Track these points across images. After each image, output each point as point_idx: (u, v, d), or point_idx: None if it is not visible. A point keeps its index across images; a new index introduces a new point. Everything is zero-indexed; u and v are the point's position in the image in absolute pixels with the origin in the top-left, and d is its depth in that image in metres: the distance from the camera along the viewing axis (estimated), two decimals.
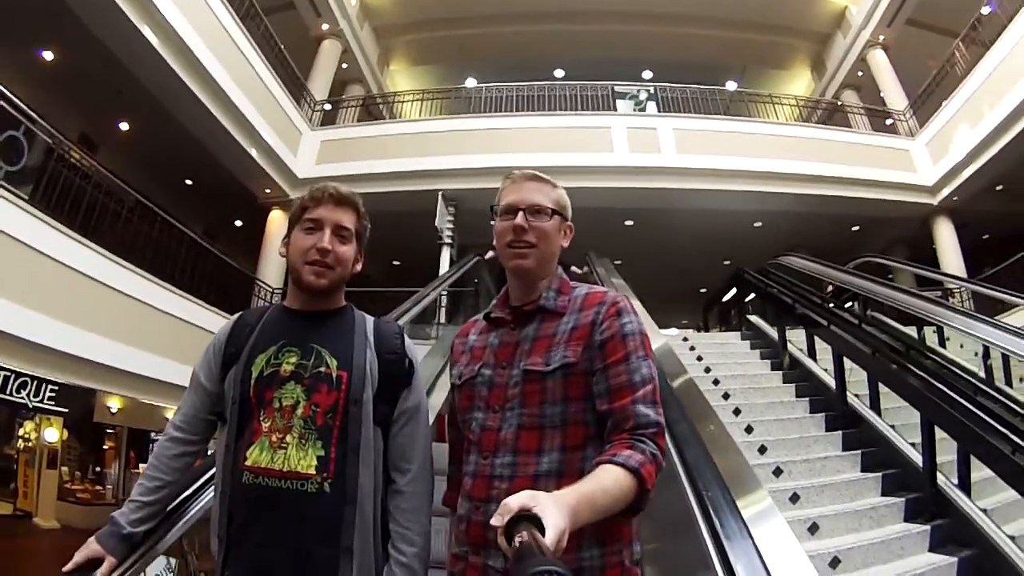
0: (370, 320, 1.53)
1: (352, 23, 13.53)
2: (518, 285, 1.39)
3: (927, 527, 3.60)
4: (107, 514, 1.45)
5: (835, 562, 3.30)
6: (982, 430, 3.39)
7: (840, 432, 4.52)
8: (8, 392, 9.14)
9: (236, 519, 1.31)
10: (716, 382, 5.25)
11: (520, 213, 1.34)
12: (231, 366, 1.42)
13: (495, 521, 0.84)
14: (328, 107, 12.64)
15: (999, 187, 11.01)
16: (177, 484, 1.51)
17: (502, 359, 1.32)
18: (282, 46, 10.98)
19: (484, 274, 8.24)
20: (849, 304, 7.41)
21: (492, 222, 1.41)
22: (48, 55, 8.89)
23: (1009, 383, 5.46)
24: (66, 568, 1.34)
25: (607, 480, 1.04)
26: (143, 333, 7.17)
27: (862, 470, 4.16)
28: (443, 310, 7.80)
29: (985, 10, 11.23)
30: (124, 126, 10.38)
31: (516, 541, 0.78)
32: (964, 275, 10.67)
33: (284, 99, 10.66)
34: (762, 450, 4.18)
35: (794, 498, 3.72)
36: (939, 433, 3.81)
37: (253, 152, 9.74)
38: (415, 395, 1.49)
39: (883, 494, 3.95)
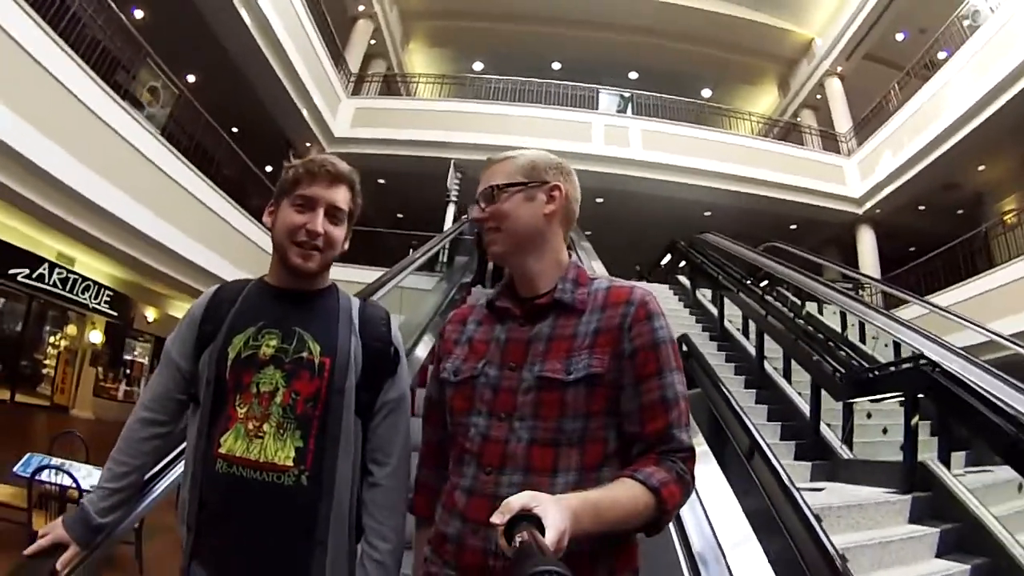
0: (355, 302, 1.45)
1: (384, 5, 15.27)
2: (513, 274, 1.25)
3: (754, 391, 5.79)
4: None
5: None
6: (797, 338, 5.61)
7: (716, 343, 6.83)
8: (75, 292, 11.02)
9: (207, 507, 1.25)
10: None
11: (476, 205, 1.25)
12: (207, 345, 1.33)
13: (495, 519, 0.82)
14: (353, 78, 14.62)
15: (921, 207, 13.11)
16: (146, 468, 1.43)
17: (511, 359, 1.15)
18: (330, 21, 12.82)
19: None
20: (765, 283, 9.63)
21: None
22: (139, 12, 10.66)
23: (863, 340, 7.71)
24: (28, 551, 1.30)
25: (620, 492, 0.98)
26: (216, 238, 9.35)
27: (725, 361, 6.41)
28: (446, 250, 9.95)
29: (941, 55, 12.74)
30: (191, 78, 12.06)
31: (516, 541, 0.78)
32: (879, 276, 12.70)
33: (330, 68, 12.65)
34: None
35: None
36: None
37: (304, 112, 11.75)
38: (399, 386, 1.41)
39: (735, 374, 6.16)
